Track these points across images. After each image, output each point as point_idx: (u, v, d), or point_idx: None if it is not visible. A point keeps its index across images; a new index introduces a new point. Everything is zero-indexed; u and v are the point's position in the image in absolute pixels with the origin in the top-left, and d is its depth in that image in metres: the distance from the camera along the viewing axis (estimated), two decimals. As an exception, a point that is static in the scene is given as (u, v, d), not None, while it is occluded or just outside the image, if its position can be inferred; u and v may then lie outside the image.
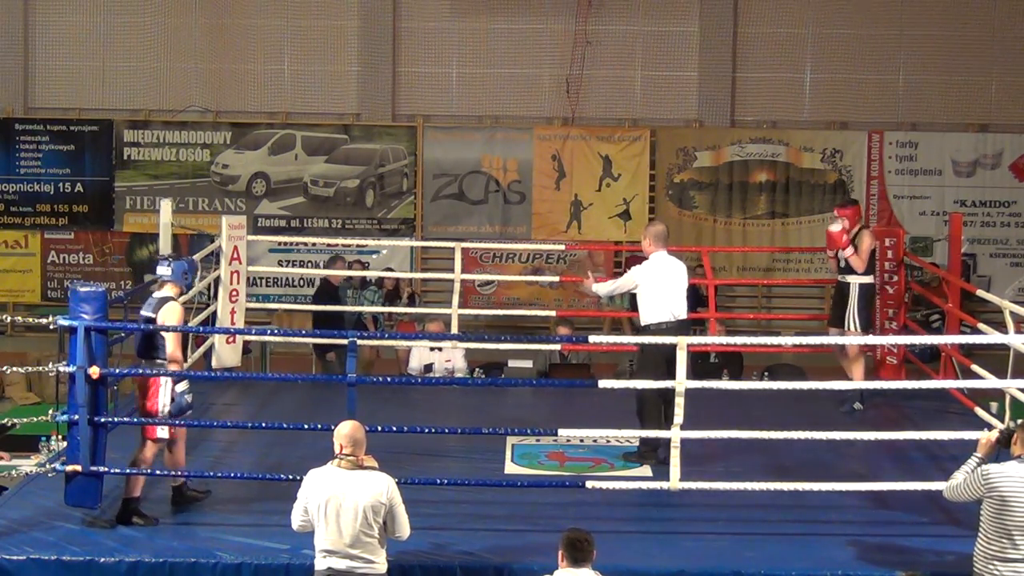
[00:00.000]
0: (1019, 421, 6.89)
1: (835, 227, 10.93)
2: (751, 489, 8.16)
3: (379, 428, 8.41)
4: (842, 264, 10.94)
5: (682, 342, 8.15)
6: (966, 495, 6.72)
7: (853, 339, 10.75)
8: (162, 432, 7.99)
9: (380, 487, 6.60)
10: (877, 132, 16.88)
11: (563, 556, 6.40)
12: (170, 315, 7.98)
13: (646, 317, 9.26)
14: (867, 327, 10.84)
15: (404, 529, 6.71)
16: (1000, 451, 6.84)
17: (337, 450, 6.70)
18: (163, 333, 7.97)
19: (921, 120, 16.97)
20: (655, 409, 9.03)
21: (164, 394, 7.95)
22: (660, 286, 9.24)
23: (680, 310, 9.26)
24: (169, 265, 8.17)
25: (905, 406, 10.72)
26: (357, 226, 16.99)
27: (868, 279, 10.92)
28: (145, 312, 8.12)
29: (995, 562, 6.52)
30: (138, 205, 17.06)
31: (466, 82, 17.07)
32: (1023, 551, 6.47)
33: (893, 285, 11.66)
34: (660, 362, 8.76)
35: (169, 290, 8.15)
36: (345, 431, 6.71)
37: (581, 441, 9.57)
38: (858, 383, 10.34)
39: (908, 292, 12.09)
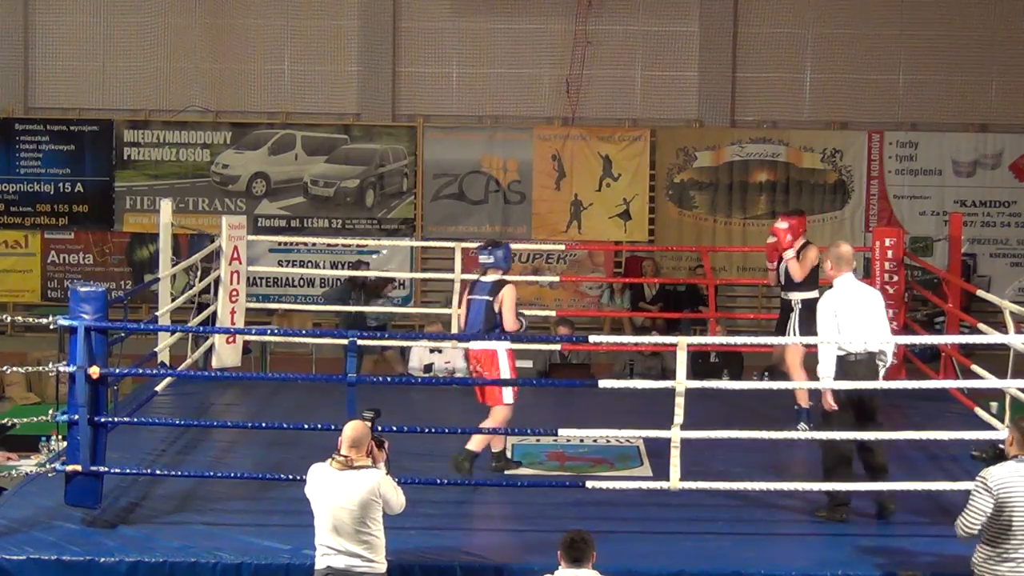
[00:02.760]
0: (1015, 419, 6.87)
1: (782, 224, 10.14)
2: (751, 489, 8.16)
3: (379, 428, 8.41)
4: (782, 279, 10.14)
5: (682, 342, 8.13)
6: (979, 511, 6.46)
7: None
8: (508, 397, 8.75)
9: (369, 483, 6.58)
10: (877, 132, 16.89)
11: (562, 556, 6.41)
12: (508, 295, 8.88)
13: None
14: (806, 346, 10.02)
15: (397, 509, 6.75)
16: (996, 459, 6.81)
17: (339, 448, 6.71)
18: (502, 311, 8.87)
19: (921, 120, 16.98)
20: (846, 457, 8.20)
21: (503, 362, 8.78)
22: (852, 313, 8.23)
23: (873, 341, 8.20)
24: (491, 254, 9.03)
25: (905, 406, 10.71)
26: (357, 226, 17.00)
27: (812, 294, 9.89)
28: (480, 296, 8.98)
29: (995, 562, 6.51)
30: (138, 205, 17.06)
31: (466, 82, 17.08)
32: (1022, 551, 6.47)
33: (893, 285, 11.66)
34: (851, 406, 8.10)
35: (498, 274, 9.03)
36: (347, 432, 6.70)
37: (581, 441, 9.56)
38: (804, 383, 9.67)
39: (908, 292, 12.09)
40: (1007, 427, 6.80)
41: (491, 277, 9.02)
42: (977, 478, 6.55)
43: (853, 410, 8.14)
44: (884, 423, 8.43)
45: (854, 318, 8.19)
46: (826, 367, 8.11)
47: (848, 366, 8.11)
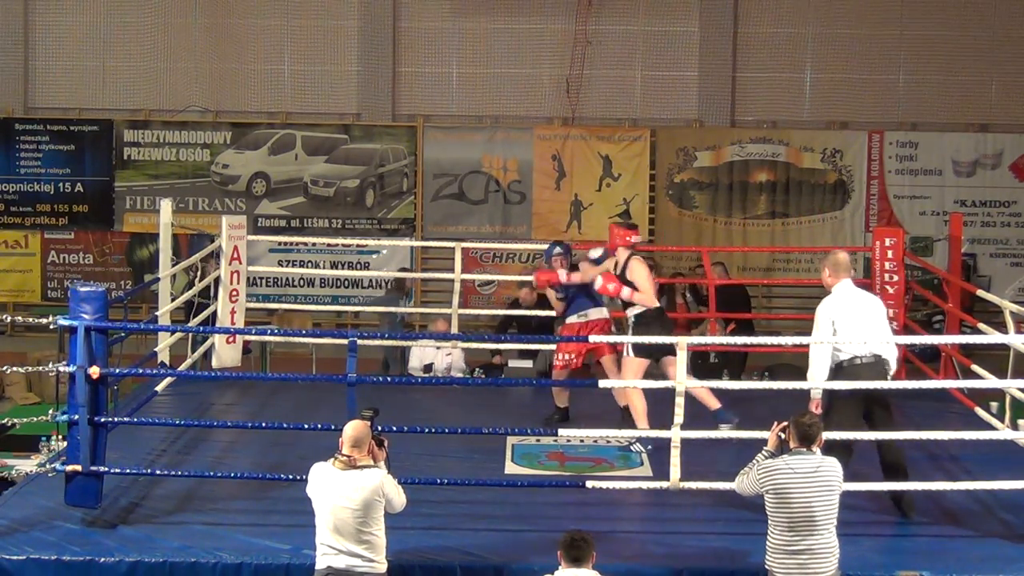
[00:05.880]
0: (794, 416, 6.80)
1: (598, 281, 9.49)
2: (751, 489, 8.14)
3: (379, 428, 8.41)
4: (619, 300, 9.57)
5: (682, 342, 8.13)
6: (748, 489, 6.86)
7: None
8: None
9: (372, 483, 6.58)
10: (877, 132, 16.90)
11: (562, 556, 6.41)
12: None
13: (837, 354, 8.11)
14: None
15: (399, 507, 6.77)
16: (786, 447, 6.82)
17: (340, 447, 6.71)
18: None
19: (921, 120, 16.99)
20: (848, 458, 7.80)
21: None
22: (851, 319, 8.10)
23: (878, 345, 8.08)
24: None
25: (905, 406, 10.70)
26: (357, 226, 17.00)
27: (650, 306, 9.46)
28: None
29: (781, 554, 6.59)
30: (138, 205, 17.07)
31: (466, 82, 17.08)
32: (806, 542, 6.56)
33: (893, 285, 11.66)
34: (856, 407, 8.02)
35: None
36: (348, 432, 6.71)
37: (581, 441, 9.56)
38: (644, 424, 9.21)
39: (908, 292, 12.09)
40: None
41: None
42: (758, 457, 6.82)
43: (862, 410, 8.04)
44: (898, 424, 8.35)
45: (854, 324, 8.08)
46: (817, 371, 8.04)
47: (854, 369, 8.03)
